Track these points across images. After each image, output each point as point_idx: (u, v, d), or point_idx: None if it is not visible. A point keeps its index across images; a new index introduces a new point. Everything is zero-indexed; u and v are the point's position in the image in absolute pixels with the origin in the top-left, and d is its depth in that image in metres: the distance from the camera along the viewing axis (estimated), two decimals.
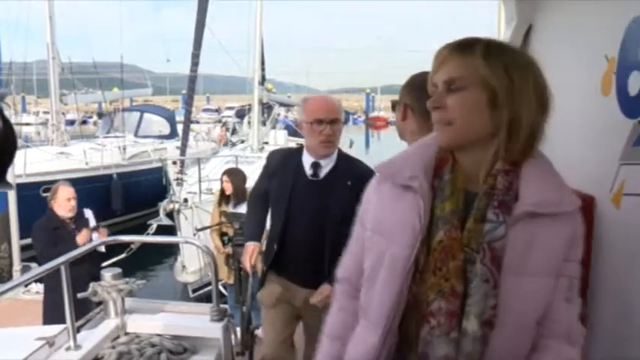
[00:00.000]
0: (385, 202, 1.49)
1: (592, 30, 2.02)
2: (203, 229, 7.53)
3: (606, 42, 1.83)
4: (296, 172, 3.17)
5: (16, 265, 8.40)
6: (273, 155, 3.42)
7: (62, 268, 2.84)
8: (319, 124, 3.07)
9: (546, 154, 2.46)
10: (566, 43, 2.28)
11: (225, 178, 6.69)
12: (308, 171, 3.17)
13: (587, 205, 1.90)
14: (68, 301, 2.88)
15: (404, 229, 1.40)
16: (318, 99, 3.23)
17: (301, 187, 3.16)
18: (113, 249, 7.55)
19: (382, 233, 1.47)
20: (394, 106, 2.47)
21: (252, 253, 3.38)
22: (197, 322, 3.35)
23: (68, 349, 2.89)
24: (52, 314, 4.73)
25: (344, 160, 3.24)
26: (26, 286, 5.51)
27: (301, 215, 3.14)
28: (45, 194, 13.27)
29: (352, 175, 3.03)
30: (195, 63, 11.49)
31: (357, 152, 20.60)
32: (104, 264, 5.54)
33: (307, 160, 3.19)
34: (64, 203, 5.65)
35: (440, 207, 1.39)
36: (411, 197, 1.41)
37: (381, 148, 33.44)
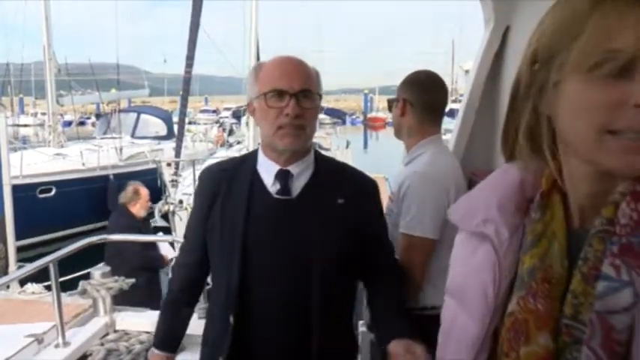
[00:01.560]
0: (458, 255, 1.12)
1: None
2: None
3: None
4: (250, 191, 1.84)
5: (12, 266, 8.42)
6: (205, 175, 1.99)
7: (51, 266, 2.89)
8: (279, 97, 1.76)
9: None
10: None
11: None
12: (271, 186, 1.84)
13: None
14: (57, 299, 2.93)
15: (475, 294, 1.02)
16: (278, 60, 1.84)
17: (263, 214, 1.83)
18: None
19: (453, 294, 1.11)
20: (390, 105, 2.53)
21: None
22: None
23: (57, 346, 2.94)
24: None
25: (326, 164, 1.95)
26: (22, 286, 5.53)
27: (268, 261, 1.80)
28: (42, 195, 13.41)
29: (343, 187, 1.87)
30: (189, 64, 11.54)
31: (354, 153, 20.67)
32: (98, 265, 5.58)
33: (267, 168, 1.86)
34: (145, 204, 5.75)
35: (522, 260, 0.95)
36: (486, 249, 1.01)
37: (379, 149, 33.51)
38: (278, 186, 1.83)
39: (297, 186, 1.85)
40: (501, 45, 2.75)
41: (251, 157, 1.93)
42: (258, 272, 1.78)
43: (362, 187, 1.92)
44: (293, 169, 1.84)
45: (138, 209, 5.72)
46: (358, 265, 1.88)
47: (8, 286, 7.19)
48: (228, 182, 1.87)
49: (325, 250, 1.78)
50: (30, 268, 2.86)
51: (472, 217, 1.04)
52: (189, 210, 9.60)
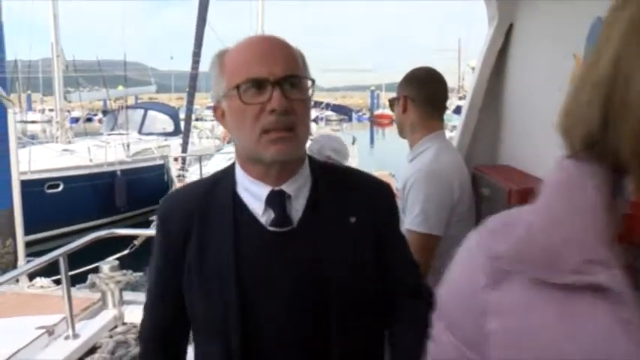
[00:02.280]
0: (527, 329, 0.62)
1: (563, 29, 2.11)
2: None
3: (573, 40, 1.91)
4: (235, 225, 1.33)
5: (21, 260, 8.50)
6: (168, 207, 1.44)
7: (61, 259, 2.94)
8: (257, 89, 1.26)
9: (522, 149, 2.55)
10: (542, 42, 2.36)
11: None
12: (262, 215, 1.34)
13: None
14: (67, 292, 2.98)
15: None
16: (248, 41, 1.34)
17: (258, 256, 1.33)
18: (116, 245, 7.66)
19: None
20: (392, 104, 2.57)
21: None
22: None
23: (67, 338, 2.99)
24: None
25: (326, 174, 1.43)
26: (31, 280, 5.61)
27: (275, 318, 1.32)
28: (50, 191, 13.51)
29: (353, 201, 1.39)
30: (196, 61, 11.60)
31: (361, 149, 20.67)
32: (106, 260, 5.64)
33: (252, 191, 1.36)
34: None
35: None
36: (605, 309, 0.59)
37: (386, 145, 33.48)
38: (272, 214, 1.31)
39: (296, 210, 1.33)
40: (505, 42, 2.78)
41: (226, 178, 1.38)
42: (264, 333, 1.30)
43: (375, 196, 1.43)
44: (288, 187, 1.33)
45: None
46: (383, 300, 1.40)
47: (17, 280, 7.28)
48: (201, 215, 1.34)
49: (345, 288, 1.30)
50: (40, 261, 2.91)
51: (555, 259, 0.61)
52: None
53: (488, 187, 2.39)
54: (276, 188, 1.32)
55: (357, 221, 1.35)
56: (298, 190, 1.35)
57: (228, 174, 1.40)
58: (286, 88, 1.25)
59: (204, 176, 9.99)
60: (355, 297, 1.32)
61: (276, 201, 1.32)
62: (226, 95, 1.29)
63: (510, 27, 2.74)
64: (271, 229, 1.31)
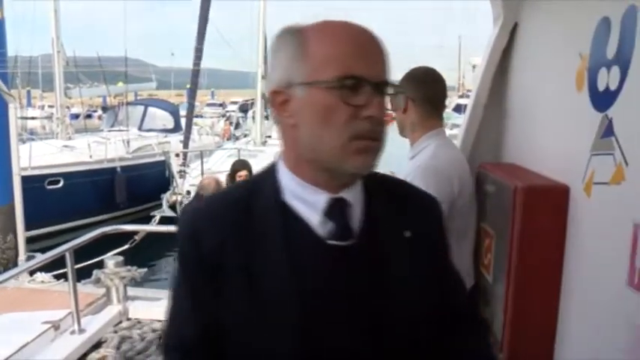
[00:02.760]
0: None
1: (568, 28, 2.13)
2: None
3: (580, 40, 1.93)
4: (287, 240, 1.12)
5: (22, 256, 8.53)
6: (194, 223, 1.20)
7: (67, 255, 2.96)
8: (354, 89, 1.06)
9: (527, 147, 2.57)
10: (547, 41, 2.38)
11: (244, 173, 6.69)
12: (320, 226, 1.14)
13: (563, 194, 2.01)
14: (73, 287, 3.00)
15: None
16: (346, 28, 1.11)
17: (316, 273, 1.14)
18: (117, 240, 7.67)
19: None
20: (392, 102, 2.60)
21: None
22: None
23: (73, 332, 3.01)
24: None
25: (375, 182, 1.25)
26: (31, 275, 5.62)
27: (333, 333, 1.12)
28: (50, 187, 13.52)
29: (406, 214, 1.25)
30: (198, 57, 11.60)
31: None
32: (107, 255, 5.66)
33: (306, 198, 1.15)
34: None
35: None
36: None
37: (387, 143, 33.40)
38: (331, 225, 1.13)
39: (355, 221, 1.16)
40: (509, 41, 2.79)
41: (265, 183, 1.18)
42: (323, 355, 1.11)
43: (426, 209, 1.30)
44: (347, 195, 1.15)
45: None
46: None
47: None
48: (241, 227, 1.12)
49: (407, 308, 1.15)
50: (47, 256, 2.93)
51: None
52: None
53: (493, 184, 2.41)
54: (336, 196, 1.13)
55: (412, 236, 1.20)
56: (355, 199, 1.16)
57: (266, 179, 1.18)
58: (384, 94, 1.10)
59: (205, 172, 9.94)
60: (417, 317, 1.17)
61: (338, 211, 1.13)
62: (308, 84, 1.07)
63: (515, 26, 2.75)
64: (331, 242, 1.11)
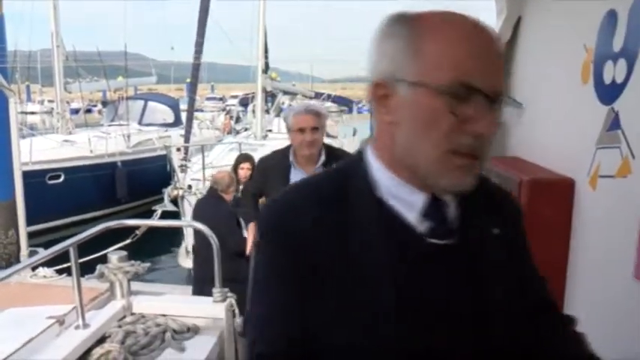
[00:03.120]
0: None
1: (573, 21, 2.12)
2: None
3: (585, 32, 1.93)
4: (387, 238, 1.03)
5: (24, 251, 8.55)
6: (288, 220, 1.07)
7: (71, 250, 2.96)
8: (463, 99, 0.96)
9: (531, 140, 2.57)
10: (551, 34, 2.38)
11: (247, 165, 6.70)
12: (418, 224, 1.07)
13: (568, 188, 2.01)
14: (77, 282, 3.00)
15: None
16: (467, 26, 0.99)
17: (418, 273, 1.06)
18: (118, 235, 7.69)
19: None
20: None
21: None
22: (200, 303, 3.48)
23: (77, 327, 3.01)
24: (200, 289, 4.95)
25: None
26: (34, 270, 5.63)
27: (433, 335, 1.05)
28: (51, 182, 13.51)
29: (494, 211, 1.18)
30: (198, 51, 11.58)
31: (361, 141, 20.62)
32: (109, 250, 5.66)
33: (403, 197, 1.07)
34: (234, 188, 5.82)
35: None
36: None
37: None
38: (429, 223, 1.06)
39: (450, 219, 1.10)
40: (513, 35, 2.79)
41: (360, 179, 1.08)
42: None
43: (510, 206, 1.26)
44: (445, 196, 1.08)
45: (230, 196, 5.71)
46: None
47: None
48: (338, 223, 1.03)
49: (504, 308, 1.11)
50: (50, 252, 2.93)
51: None
52: (199, 195, 9.63)
53: (498, 177, 2.41)
54: (433, 196, 1.06)
55: (501, 233, 1.15)
56: (449, 198, 1.09)
57: (357, 173, 1.09)
58: (498, 108, 0.98)
59: (206, 166, 9.92)
60: (515, 314, 1.12)
61: (435, 210, 1.07)
62: (415, 84, 0.97)
63: (519, 20, 2.75)
64: (432, 241, 1.05)
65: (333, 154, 3.61)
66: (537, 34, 2.56)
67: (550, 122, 2.32)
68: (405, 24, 0.99)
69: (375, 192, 1.06)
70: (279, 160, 3.66)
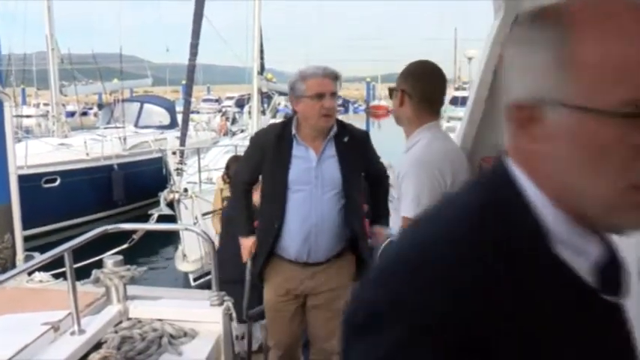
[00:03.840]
0: None
1: None
2: (207, 213, 7.64)
3: None
4: (562, 297, 0.77)
5: (20, 255, 8.48)
6: (460, 263, 0.74)
7: (66, 255, 2.93)
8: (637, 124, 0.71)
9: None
10: None
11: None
12: (588, 275, 0.80)
13: None
14: (72, 288, 2.97)
15: None
16: (636, 16, 0.71)
17: (591, 332, 0.80)
18: (115, 239, 7.65)
19: None
20: (391, 92, 2.62)
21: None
22: (197, 307, 3.45)
23: (73, 333, 2.98)
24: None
25: None
26: (30, 274, 5.59)
27: None
28: (47, 185, 13.46)
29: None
30: (194, 53, 11.54)
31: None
32: (105, 254, 5.61)
33: (576, 246, 0.80)
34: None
35: None
36: None
37: (382, 137, 33.45)
38: (602, 276, 0.83)
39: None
40: None
41: (522, 221, 0.79)
42: None
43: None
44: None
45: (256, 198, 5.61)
46: None
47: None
48: (515, 291, 0.74)
49: None
50: (45, 257, 2.90)
51: None
52: (195, 198, 9.57)
53: None
54: (610, 246, 0.85)
55: None
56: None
57: (516, 211, 0.79)
58: None
59: (202, 169, 9.87)
60: None
61: (614, 266, 0.85)
62: (577, 109, 0.72)
63: (516, 18, 2.72)
64: (607, 297, 0.83)
65: (345, 127, 3.33)
66: None
67: None
68: (555, 24, 0.75)
69: (547, 242, 0.78)
70: (279, 134, 3.24)
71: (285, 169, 3.16)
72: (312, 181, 3.15)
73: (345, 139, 3.22)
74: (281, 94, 18.90)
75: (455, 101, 26.94)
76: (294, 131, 3.20)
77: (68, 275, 2.94)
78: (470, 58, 29.53)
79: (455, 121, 20.36)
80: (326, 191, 3.16)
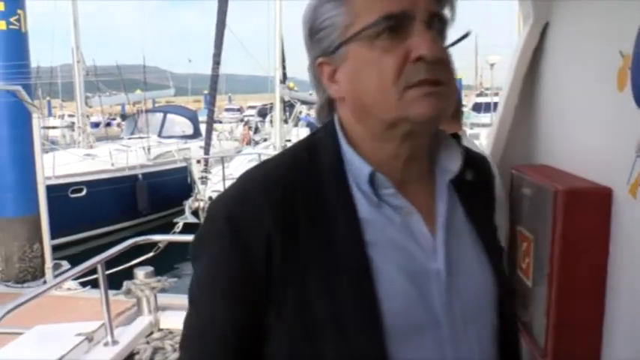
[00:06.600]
0: None
1: (607, 27, 2.07)
2: None
3: (621, 39, 1.88)
4: None
5: (48, 264, 8.62)
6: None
7: (99, 266, 2.96)
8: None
9: (561, 148, 2.52)
10: (582, 40, 2.33)
11: None
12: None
13: (605, 197, 1.96)
14: (105, 299, 3.00)
15: None
16: None
17: None
18: (140, 247, 7.72)
19: None
20: None
21: None
22: None
23: (106, 344, 3.02)
24: None
25: None
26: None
27: None
28: (73, 195, 13.63)
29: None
30: (216, 62, 11.63)
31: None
32: (132, 262, 5.66)
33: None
34: None
35: None
36: None
37: None
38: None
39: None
40: (540, 41, 2.75)
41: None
42: None
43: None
44: None
45: None
46: None
47: (45, 282, 7.34)
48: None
49: None
50: (80, 268, 2.94)
51: None
52: None
53: (529, 187, 2.37)
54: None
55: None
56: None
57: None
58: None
59: (226, 177, 9.96)
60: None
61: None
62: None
63: (546, 26, 2.70)
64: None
65: None
66: (566, 41, 2.51)
67: (582, 129, 2.27)
68: None
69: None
70: None
71: None
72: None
73: None
74: (303, 102, 18.97)
75: (478, 108, 26.77)
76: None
77: (101, 286, 2.98)
78: (492, 65, 29.37)
79: (478, 128, 20.22)
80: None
